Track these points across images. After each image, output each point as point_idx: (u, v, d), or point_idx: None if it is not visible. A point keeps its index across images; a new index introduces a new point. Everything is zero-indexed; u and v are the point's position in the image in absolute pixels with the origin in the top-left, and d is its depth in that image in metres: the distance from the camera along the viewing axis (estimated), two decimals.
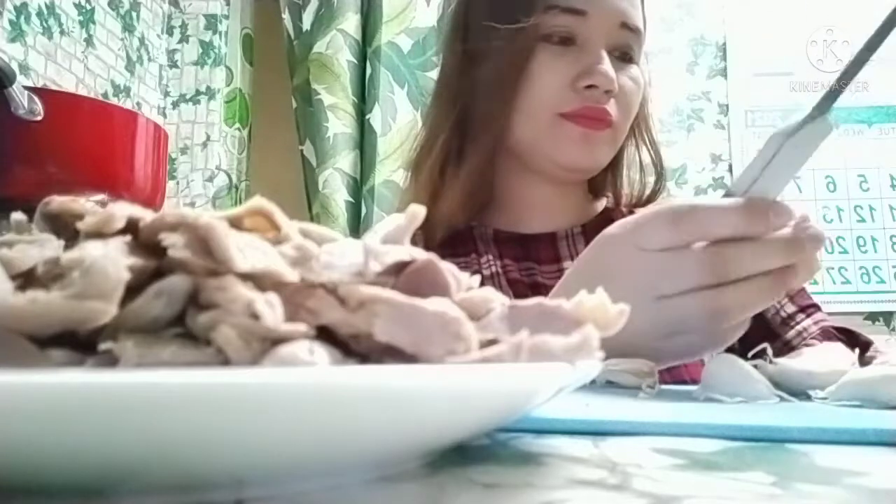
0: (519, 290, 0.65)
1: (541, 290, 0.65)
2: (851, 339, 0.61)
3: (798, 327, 0.62)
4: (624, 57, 0.65)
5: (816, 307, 0.65)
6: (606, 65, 0.61)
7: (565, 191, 0.70)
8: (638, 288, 0.39)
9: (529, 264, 0.68)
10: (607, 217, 0.72)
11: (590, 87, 0.61)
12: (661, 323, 0.39)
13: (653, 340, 0.40)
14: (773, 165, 0.35)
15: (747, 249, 0.37)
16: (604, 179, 0.72)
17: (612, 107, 0.63)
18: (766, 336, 0.63)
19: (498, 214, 0.71)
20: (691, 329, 0.39)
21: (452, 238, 0.69)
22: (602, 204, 0.74)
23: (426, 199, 0.67)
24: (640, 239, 0.39)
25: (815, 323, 0.63)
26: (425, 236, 0.68)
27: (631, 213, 0.72)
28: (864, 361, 0.55)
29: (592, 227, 0.70)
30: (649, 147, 0.72)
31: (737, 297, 0.38)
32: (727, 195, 0.39)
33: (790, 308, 0.64)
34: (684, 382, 0.55)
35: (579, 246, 0.69)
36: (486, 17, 0.66)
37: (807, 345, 0.61)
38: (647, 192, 0.72)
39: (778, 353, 0.60)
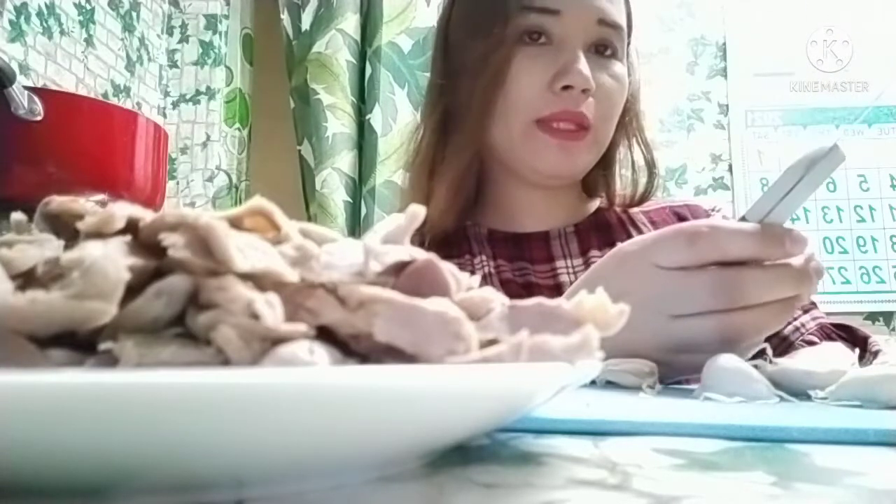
0: (512, 289, 0.65)
1: (533, 289, 0.65)
2: (849, 334, 0.62)
3: (795, 323, 0.63)
4: (604, 53, 0.64)
5: (813, 304, 0.65)
6: (582, 64, 0.60)
7: (556, 192, 0.70)
8: (651, 305, 0.39)
9: (523, 264, 0.68)
10: (600, 217, 0.72)
11: (566, 87, 0.61)
12: (671, 341, 0.40)
13: (663, 355, 0.40)
14: (790, 195, 0.37)
15: (761, 277, 0.38)
16: (596, 179, 0.72)
17: (589, 108, 0.62)
18: None
19: (492, 214, 0.71)
20: (702, 348, 0.39)
21: (447, 238, 0.69)
22: (595, 204, 0.74)
23: (420, 201, 0.67)
24: (657, 256, 0.40)
25: (813, 319, 0.63)
26: (420, 237, 0.69)
27: (625, 212, 0.72)
28: (864, 357, 0.55)
29: (585, 227, 0.70)
30: (642, 146, 0.72)
31: (748, 321, 0.38)
32: (742, 220, 0.40)
33: None
34: (679, 383, 0.55)
35: (572, 245, 0.69)
36: (465, 21, 0.67)
37: (805, 340, 0.61)
38: (640, 190, 0.72)
39: (775, 349, 0.61)
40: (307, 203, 1.59)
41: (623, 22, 0.65)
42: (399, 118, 1.58)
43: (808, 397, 0.35)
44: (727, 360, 0.35)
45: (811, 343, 0.60)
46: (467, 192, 0.69)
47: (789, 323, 0.62)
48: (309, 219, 1.53)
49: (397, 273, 0.19)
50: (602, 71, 0.62)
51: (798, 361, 0.37)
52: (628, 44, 0.68)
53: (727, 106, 1.66)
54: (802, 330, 0.62)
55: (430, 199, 0.68)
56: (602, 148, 0.67)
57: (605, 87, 0.63)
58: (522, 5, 0.61)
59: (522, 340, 0.18)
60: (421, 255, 0.20)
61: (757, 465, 0.19)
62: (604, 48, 0.64)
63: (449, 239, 0.69)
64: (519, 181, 0.69)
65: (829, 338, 0.62)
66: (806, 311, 0.64)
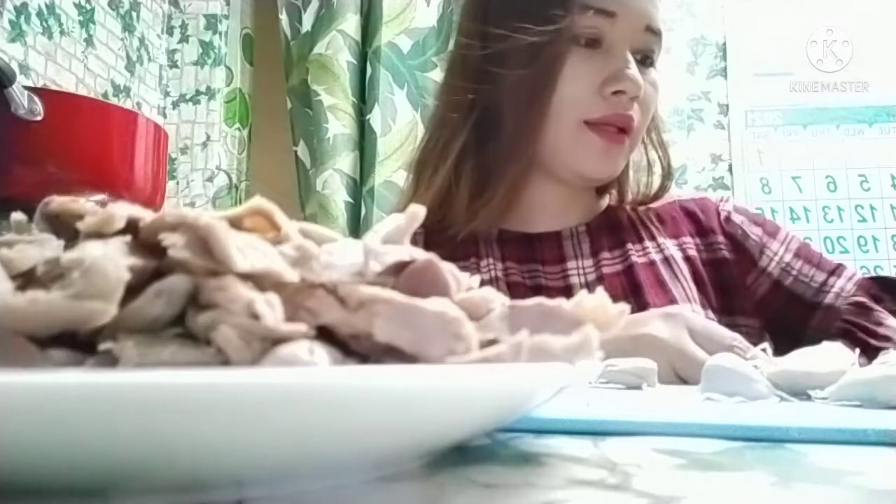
0: (520, 292, 0.64)
1: (542, 292, 0.64)
2: (889, 285, 0.63)
3: (835, 289, 0.63)
4: (645, 61, 0.65)
5: (843, 266, 0.66)
6: (633, 70, 0.61)
7: (574, 190, 0.70)
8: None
9: (533, 266, 0.67)
10: (611, 215, 0.72)
11: (616, 92, 0.61)
12: None
13: None
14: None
15: None
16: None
17: (634, 113, 0.63)
18: (804, 310, 0.64)
19: (511, 215, 0.70)
20: None
21: (452, 240, 0.68)
22: (605, 201, 0.74)
23: (436, 201, 0.66)
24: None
25: (849, 279, 0.64)
26: (427, 237, 0.68)
27: (634, 210, 0.72)
28: None
29: (597, 226, 0.70)
30: (657, 146, 0.72)
31: None
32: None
33: (819, 276, 0.65)
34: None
35: (584, 245, 0.68)
36: (511, 17, 0.64)
37: (850, 303, 0.62)
38: (653, 190, 0.72)
39: (822, 322, 0.61)
40: (302, 204, 1.59)
41: (662, 29, 0.65)
42: (398, 118, 1.57)
43: (808, 397, 0.35)
44: (727, 360, 0.35)
45: (858, 304, 0.61)
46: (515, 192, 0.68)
47: (827, 292, 0.64)
48: (305, 219, 1.53)
49: (397, 273, 0.19)
50: (643, 78, 0.63)
51: (798, 362, 0.37)
52: None
53: (727, 106, 1.66)
54: (844, 294, 0.63)
55: (451, 200, 0.66)
56: (631, 153, 0.67)
57: (647, 94, 0.64)
58: (582, 3, 0.61)
59: (522, 340, 0.18)
60: (421, 255, 0.20)
61: (757, 465, 0.19)
62: (645, 57, 0.64)
63: (454, 240, 0.68)
64: (545, 179, 0.68)
65: (870, 293, 0.62)
66: (840, 276, 0.64)
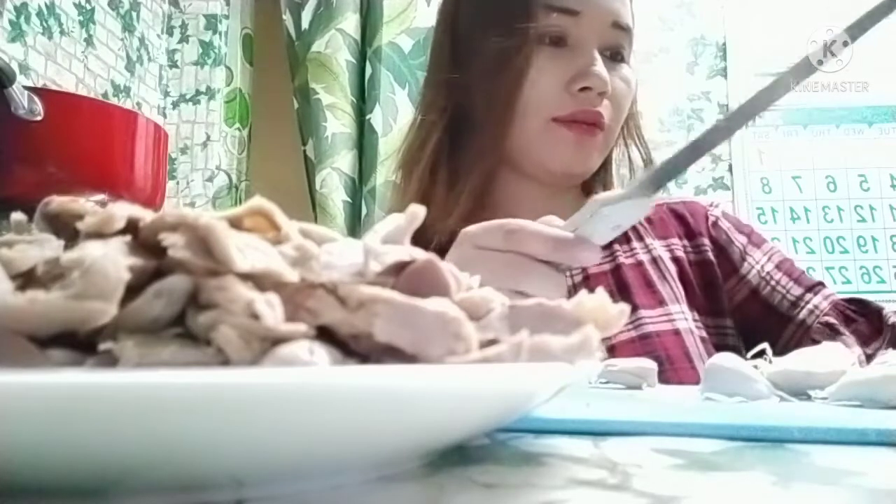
0: (507, 294, 0.64)
1: (528, 295, 0.65)
2: (862, 308, 0.63)
3: (809, 306, 0.63)
4: (615, 57, 0.65)
5: (822, 284, 0.66)
6: (600, 66, 0.61)
7: (558, 191, 0.70)
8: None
9: None
10: None
11: (584, 89, 0.61)
12: None
13: None
14: (591, 223, 0.41)
15: (542, 273, 0.43)
16: (594, 178, 0.72)
17: (605, 109, 0.63)
18: (777, 321, 0.64)
19: (489, 216, 0.70)
20: None
21: (440, 246, 0.68)
22: None
23: (418, 201, 0.66)
24: (478, 240, 0.46)
25: (825, 298, 0.64)
26: (416, 239, 0.67)
27: None
28: (883, 332, 0.57)
29: None
30: (639, 145, 0.72)
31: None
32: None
33: (796, 290, 0.65)
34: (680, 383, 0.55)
35: None
36: (478, 15, 0.66)
37: (821, 322, 0.62)
38: None
39: (793, 337, 0.61)
40: (313, 203, 1.58)
41: (632, 24, 0.65)
42: (400, 118, 1.57)
43: (808, 397, 0.35)
44: (727, 360, 0.35)
45: (829, 325, 0.61)
46: (486, 192, 0.68)
47: (802, 307, 0.64)
48: (315, 219, 1.53)
49: (397, 273, 0.19)
50: (613, 74, 0.63)
51: (798, 361, 0.37)
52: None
53: (727, 106, 1.66)
54: (817, 312, 0.63)
55: (430, 199, 0.67)
56: (607, 150, 0.67)
57: (617, 90, 0.64)
58: (545, 4, 0.61)
59: (522, 340, 0.18)
60: (421, 255, 0.20)
61: (757, 465, 0.19)
62: (615, 53, 0.64)
63: (443, 246, 0.68)
64: (523, 180, 0.68)
65: (844, 315, 0.62)
66: (817, 293, 0.64)
